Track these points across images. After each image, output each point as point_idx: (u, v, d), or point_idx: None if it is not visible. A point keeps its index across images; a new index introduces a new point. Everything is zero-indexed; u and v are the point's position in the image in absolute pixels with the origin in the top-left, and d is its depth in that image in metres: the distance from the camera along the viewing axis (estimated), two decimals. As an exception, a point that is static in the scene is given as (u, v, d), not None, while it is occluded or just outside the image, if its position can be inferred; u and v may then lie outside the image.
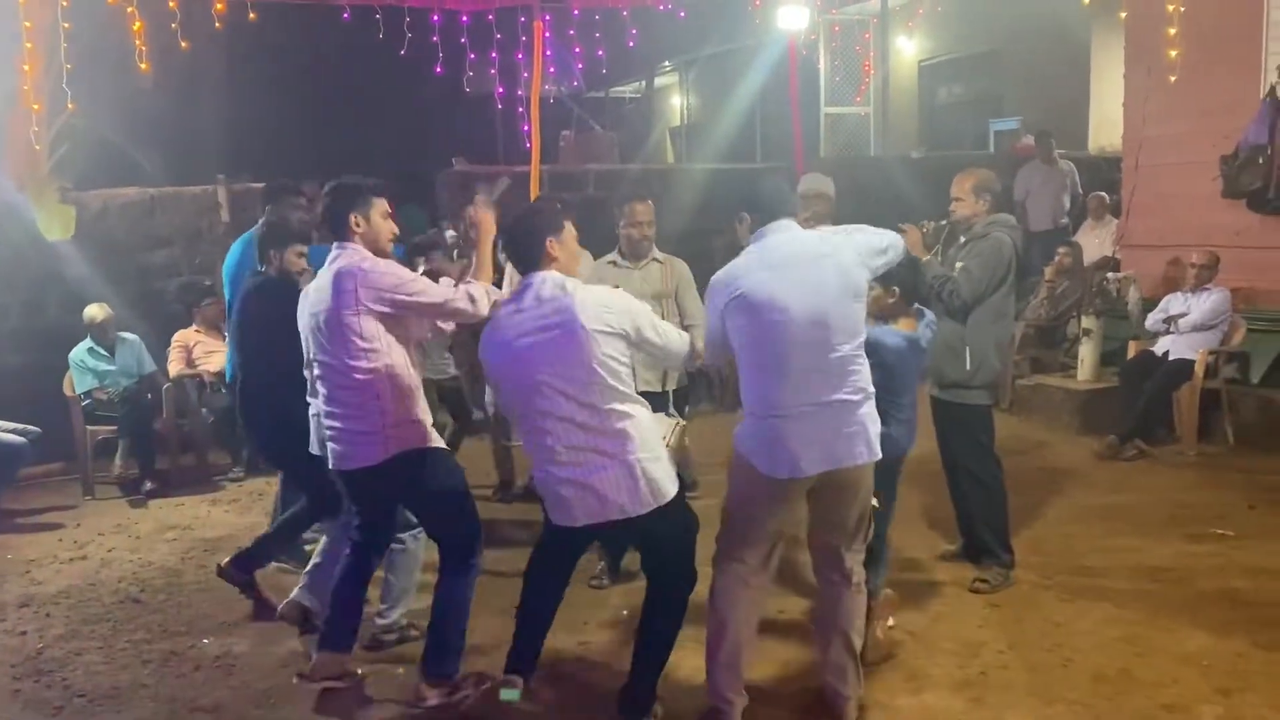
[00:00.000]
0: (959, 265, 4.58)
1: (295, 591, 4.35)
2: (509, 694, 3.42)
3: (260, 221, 5.13)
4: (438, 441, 3.71)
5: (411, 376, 3.63)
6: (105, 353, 7.05)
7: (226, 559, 4.64)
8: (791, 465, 3.26)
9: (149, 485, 6.78)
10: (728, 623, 3.42)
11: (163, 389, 7.10)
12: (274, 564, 4.90)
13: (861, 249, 3.39)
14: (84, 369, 7.00)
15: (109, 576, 5.27)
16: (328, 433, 3.67)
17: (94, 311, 7.04)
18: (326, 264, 3.63)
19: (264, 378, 4.39)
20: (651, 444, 3.32)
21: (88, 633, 4.55)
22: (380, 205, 3.70)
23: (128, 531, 6.06)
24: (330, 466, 3.72)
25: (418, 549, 4.22)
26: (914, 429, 4.08)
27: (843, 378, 3.27)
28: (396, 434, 3.57)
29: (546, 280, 3.30)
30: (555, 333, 3.21)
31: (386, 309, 3.51)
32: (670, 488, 3.33)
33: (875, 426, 3.35)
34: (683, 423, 3.90)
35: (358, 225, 3.62)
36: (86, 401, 6.93)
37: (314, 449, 4.01)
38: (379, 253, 3.65)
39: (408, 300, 3.52)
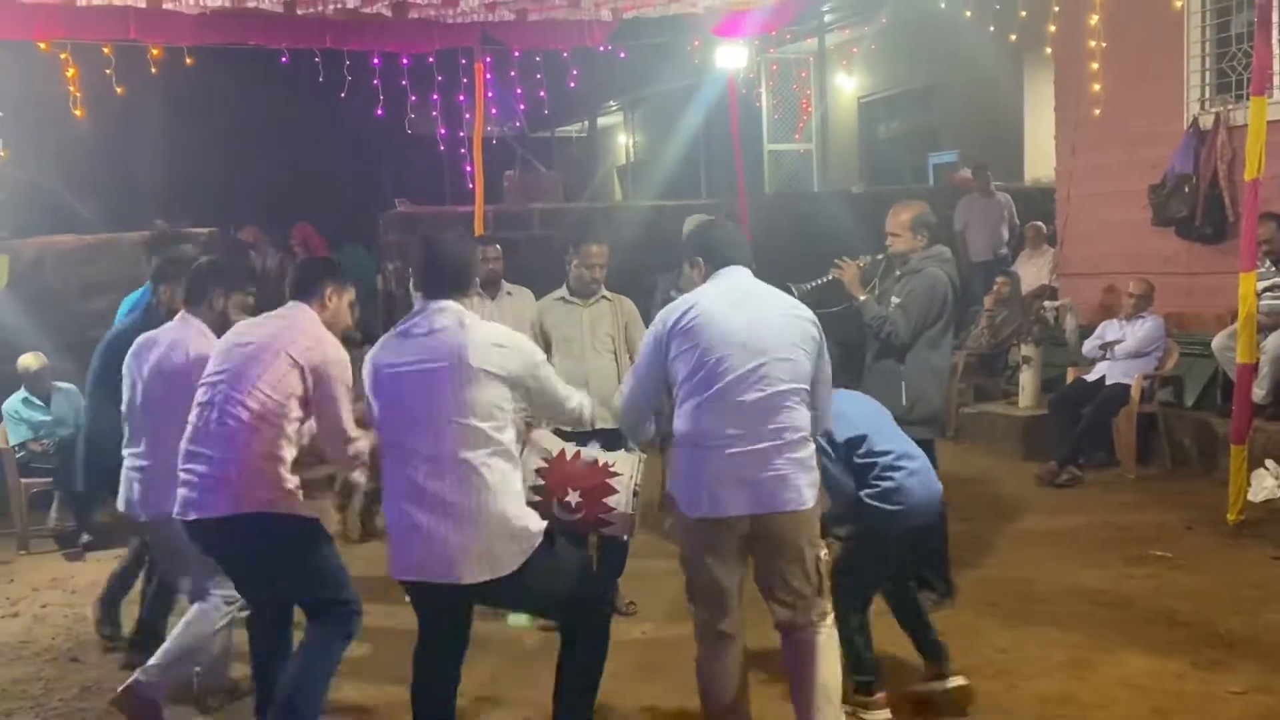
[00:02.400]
0: (895, 302, 4.63)
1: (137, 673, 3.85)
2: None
3: (152, 273, 4.90)
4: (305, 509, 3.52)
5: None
6: (41, 403, 6.90)
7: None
8: (712, 502, 3.16)
9: (86, 538, 6.62)
10: (724, 698, 3.29)
11: (99, 439, 6.96)
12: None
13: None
14: (18, 420, 6.85)
15: (42, 634, 5.13)
16: (182, 479, 3.49)
17: (29, 361, 6.90)
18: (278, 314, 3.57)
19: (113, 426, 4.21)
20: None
21: (18, 692, 4.42)
22: (348, 293, 3.68)
23: (63, 586, 5.92)
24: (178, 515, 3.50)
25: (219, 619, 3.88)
26: (926, 475, 3.80)
27: (774, 414, 3.17)
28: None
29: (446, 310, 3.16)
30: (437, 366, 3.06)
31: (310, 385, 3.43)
32: (535, 525, 3.11)
33: (809, 474, 3.23)
34: (644, 456, 3.83)
35: (330, 300, 3.60)
36: (20, 453, 6.77)
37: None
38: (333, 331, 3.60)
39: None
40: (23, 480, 6.73)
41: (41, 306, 7.66)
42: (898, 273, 4.74)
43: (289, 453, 3.43)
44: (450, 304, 3.16)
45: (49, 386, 6.94)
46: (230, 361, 3.47)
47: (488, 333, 3.15)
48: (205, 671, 4.03)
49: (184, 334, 3.90)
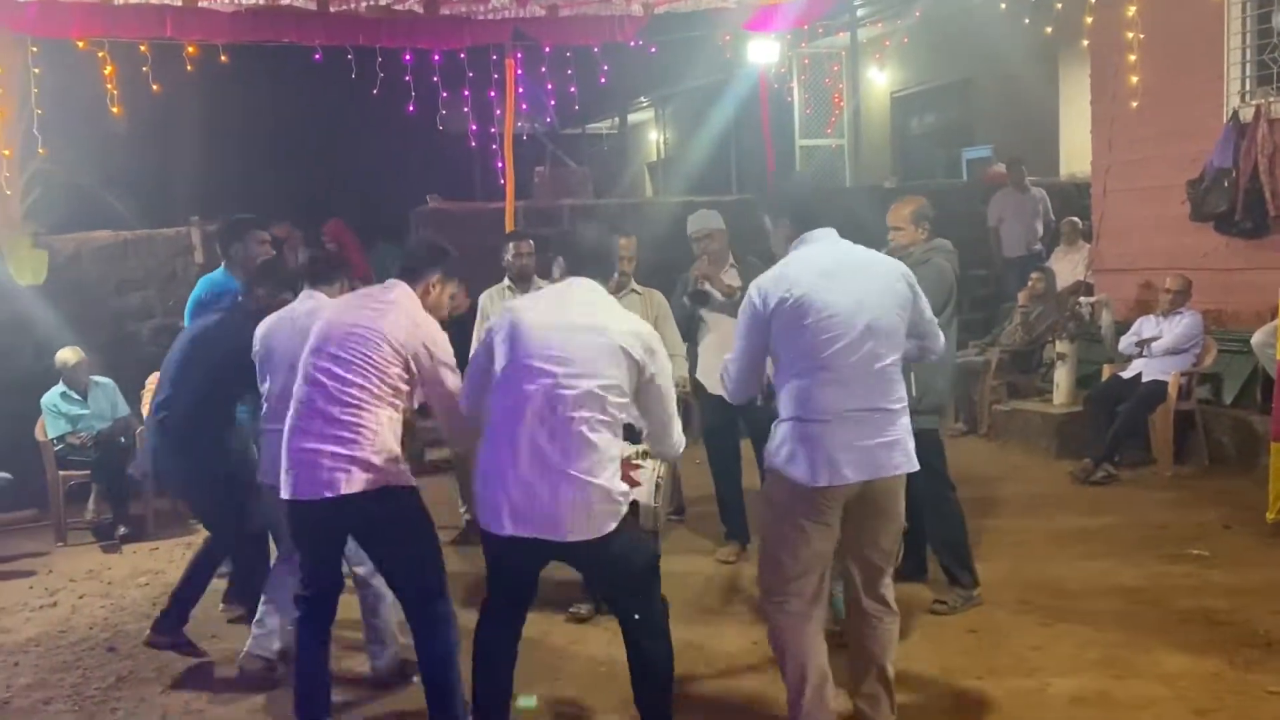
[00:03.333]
0: None
1: (249, 643, 4.26)
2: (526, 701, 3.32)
3: (229, 259, 5.14)
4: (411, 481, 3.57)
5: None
6: (78, 397, 6.99)
7: (148, 630, 4.54)
8: (832, 471, 3.20)
9: (122, 530, 6.71)
10: (807, 664, 3.33)
11: (136, 432, 7.04)
12: (221, 608, 4.95)
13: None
14: (56, 414, 6.94)
15: (80, 623, 5.20)
16: (298, 459, 3.48)
17: (66, 355, 6.99)
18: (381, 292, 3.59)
19: (201, 409, 4.42)
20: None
21: (56, 681, 4.48)
22: (451, 285, 3.69)
23: (100, 577, 5.99)
24: (290, 495, 3.50)
25: (381, 586, 4.08)
26: None
27: (887, 387, 3.26)
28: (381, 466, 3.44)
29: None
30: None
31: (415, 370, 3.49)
32: (626, 492, 3.23)
33: (911, 439, 3.33)
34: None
35: (431, 289, 3.62)
36: (59, 446, 6.87)
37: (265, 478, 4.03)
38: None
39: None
40: (61, 473, 6.82)
41: (78, 302, 7.77)
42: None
43: (398, 429, 3.50)
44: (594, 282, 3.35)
45: (86, 381, 7.03)
46: (333, 346, 3.47)
47: (635, 322, 3.30)
48: (253, 643, 4.25)
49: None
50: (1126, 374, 7.27)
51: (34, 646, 4.91)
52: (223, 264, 5.21)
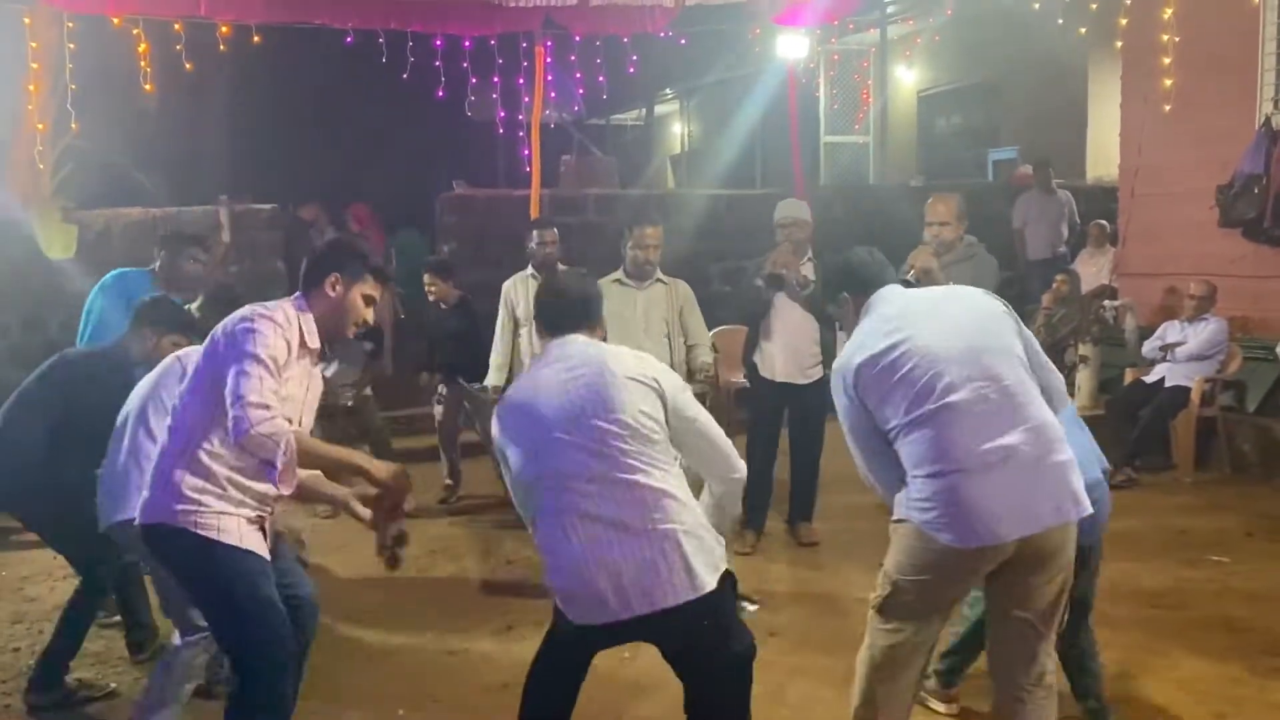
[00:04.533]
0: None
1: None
2: None
3: (158, 265, 5.04)
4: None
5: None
6: (103, 371, 7.03)
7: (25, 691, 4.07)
8: (986, 531, 2.73)
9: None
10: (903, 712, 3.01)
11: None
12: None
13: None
14: (82, 387, 6.99)
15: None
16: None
17: (94, 328, 7.04)
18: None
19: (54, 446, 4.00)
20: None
21: (80, 649, 4.52)
22: (362, 285, 3.11)
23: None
24: None
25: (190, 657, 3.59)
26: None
27: (1017, 408, 2.80)
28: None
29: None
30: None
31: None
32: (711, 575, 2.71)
33: (1077, 474, 2.84)
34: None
35: (332, 289, 3.08)
36: (84, 419, 6.91)
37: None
38: (334, 329, 3.11)
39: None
40: (85, 446, 6.87)
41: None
42: (942, 260, 4.71)
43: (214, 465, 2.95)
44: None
45: (112, 355, 7.07)
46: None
47: (638, 359, 2.92)
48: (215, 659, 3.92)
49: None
50: (1149, 379, 7.24)
51: (58, 614, 4.95)
52: (152, 266, 5.10)
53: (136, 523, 3.02)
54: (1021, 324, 3.03)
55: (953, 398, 2.78)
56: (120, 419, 3.69)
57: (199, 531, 2.89)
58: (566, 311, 2.98)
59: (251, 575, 2.95)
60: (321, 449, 3.00)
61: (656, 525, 2.66)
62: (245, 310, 2.99)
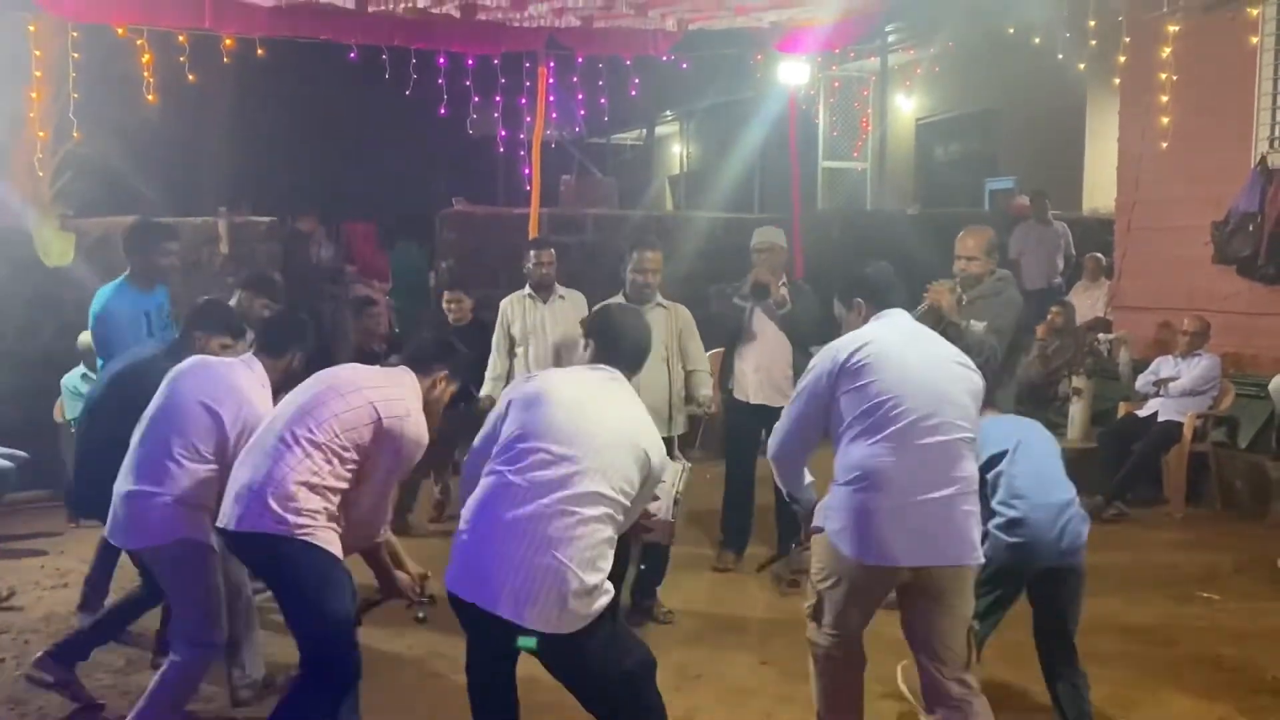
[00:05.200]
0: (978, 325, 4.54)
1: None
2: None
3: (129, 271, 5.02)
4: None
5: None
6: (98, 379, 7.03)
7: (39, 654, 4.09)
8: (881, 550, 3.02)
9: (135, 514, 6.72)
10: (852, 710, 3.29)
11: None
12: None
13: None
14: (76, 395, 6.97)
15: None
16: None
17: (88, 338, 7.02)
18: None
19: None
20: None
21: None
22: (453, 385, 3.56)
23: (111, 560, 6.01)
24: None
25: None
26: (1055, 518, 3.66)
27: (955, 462, 3.07)
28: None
29: None
30: None
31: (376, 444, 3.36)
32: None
33: (978, 528, 3.14)
34: (689, 465, 3.88)
35: (436, 384, 3.50)
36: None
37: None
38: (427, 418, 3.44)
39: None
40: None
41: (104, 285, 7.80)
42: (965, 296, 4.69)
43: (312, 484, 3.25)
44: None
45: (107, 364, 7.06)
46: (315, 393, 3.36)
47: (653, 428, 3.09)
48: (238, 665, 4.05)
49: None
50: (1143, 413, 7.27)
51: (45, 626, 4.94)
52: (125, 273, 5.04)
53: (257, 531, 3.21)
54: (979, 394, 3.23)
55: (905, 427, 3.03)
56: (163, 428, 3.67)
57: (317, 543, 3.24)
58: (630, 356, 3.21)
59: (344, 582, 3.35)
60: (381, 560, 3.53)
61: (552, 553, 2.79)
62: (410, 401, 3.34)
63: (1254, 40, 7.44)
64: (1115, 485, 6.90)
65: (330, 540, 3.27)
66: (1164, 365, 7.37)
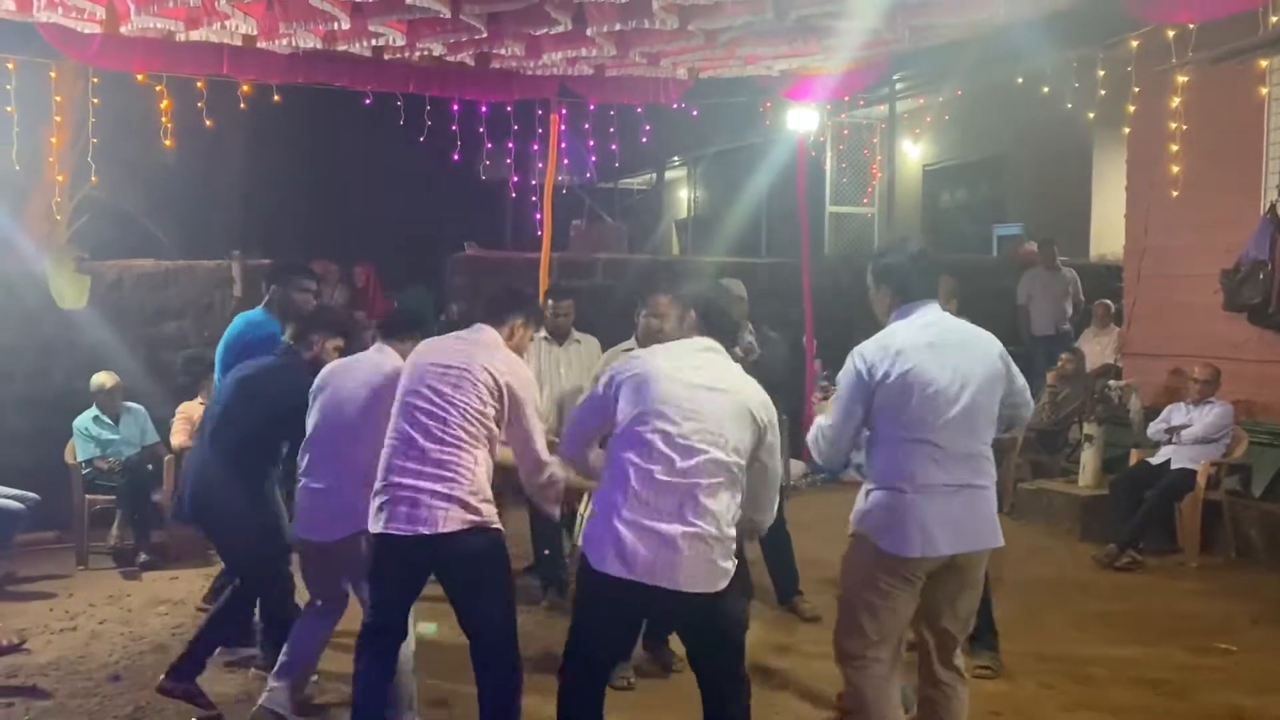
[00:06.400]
0: None
1: (264, 695, 4.09)
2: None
3: (268, 300, 5.14)
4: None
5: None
6: (110, 421, 7.06)
7: (162, 675, 4.36)
8: (924, 542, 3.22)
9: (144, 557, 6.72)
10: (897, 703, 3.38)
11: (164, 460, 7.08)
12: (252, 669, 4.74)
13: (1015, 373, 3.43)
14: (87, 437, 7.00)
15: (99, 649, 5.21)
16: (396, 494, 3.54)
17: (103, 379, 7.07)
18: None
19: (246, 452, 4.37)
20: None
21: (75, 707, 4.48)
22: (532, 328, 3.95)
23: (120, 604, 6.00)
24: (383, 529, 3.55)
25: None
26: None
27: (980, 464, 3.30)
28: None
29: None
30: None
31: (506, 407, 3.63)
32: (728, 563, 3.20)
33: (996, 515, 3.37)
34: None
35: (515, 331, 3.80)
36: (87, 470, 6.92)
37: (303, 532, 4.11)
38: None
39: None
40: (87, 496, 6.86)
41: (117, 327, 7.87)
42: None
43: (490, 469, 3.61)
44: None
45: (119, 406, 7.10)
46: (431, 382, 3.59)
47: (760, 390, 3.34)
48: (268, 696, 4.09)
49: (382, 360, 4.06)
50: (1155, 460, 7.24)
51: (53, 670, 4.91)
52: (263, 303, 5.23)
53: (459, 531, 3.47)
54: (1010, 366, 3.41)
55: (938, 432, 3.22)
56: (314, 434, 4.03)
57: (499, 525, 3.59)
58: (727, 328, 3.47)
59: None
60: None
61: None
62: (506, 353, 3.69)
63: (1263, 91, 7.50)
64: (1128, 533, 6.86)
65: (499, 522, 3.60)
66: (1175, 413, 7.35)
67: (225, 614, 4.50)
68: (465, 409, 3.52)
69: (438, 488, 3.48)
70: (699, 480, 3.11)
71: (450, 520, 3.46)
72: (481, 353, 3.62)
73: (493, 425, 3.56)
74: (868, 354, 3.32)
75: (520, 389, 3.59)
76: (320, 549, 4.03)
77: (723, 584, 3.13)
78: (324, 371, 4.17)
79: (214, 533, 4.68)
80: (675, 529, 3.06)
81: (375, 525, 3.54)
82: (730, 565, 3.16)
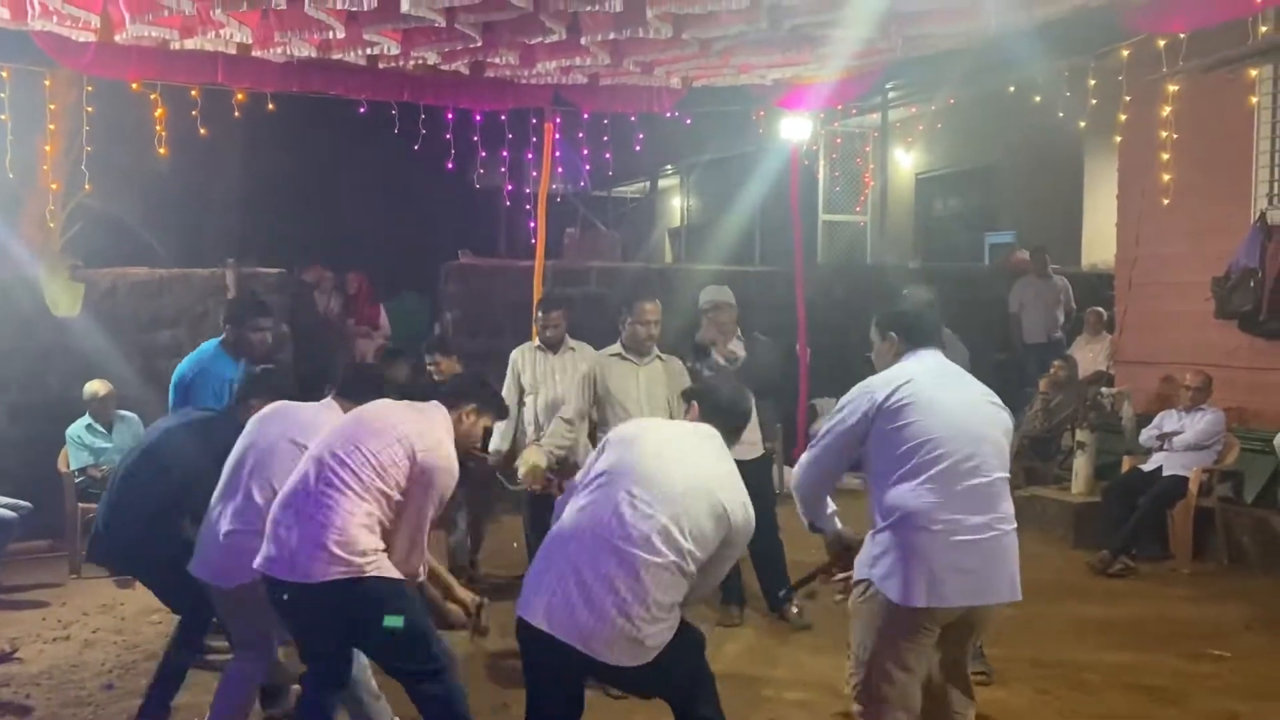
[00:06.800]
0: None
1: None
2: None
3: (224, 339, 5.25)
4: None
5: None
6: (103, 430, 7.04)
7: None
8: (932, 592, 3.02)
9: (137, 566, 6.69)
10: None
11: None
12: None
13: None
14: (80, 445, 6.98)
15: (92, 659, 5.19)
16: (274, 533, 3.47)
17: (96, 388, 7.05)
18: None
19: (159, 507, 4.25)
20: None
21: (68, 716, 4.48)
22: (485, 419, 3.79)
23: (113, 613, 5.98)
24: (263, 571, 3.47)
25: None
26: None
27: (996, 501, 3.13)
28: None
29: None
30: None
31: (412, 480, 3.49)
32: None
33: (1016, 565, 3.18)
34: None
35: (465, 418, 3.69)
36: (80, 478, 6.90)
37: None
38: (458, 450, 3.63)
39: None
40: (80, 505, 6.84)
41: (111, 335, 7.84)
42: None
43: (373, 526, 3.43)
44: None
45: (112, 414, 7.08)
46: (347, 433, 3.51)
47: (741, 487, 3.23)
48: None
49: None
50: (1147, 467, 7.26)
51: (46, 679, 4.90)
52: (219, 340, 5.31)
53: (322, 579, 3.33)
54: (1010, 431, 3.34)
55: (948, 467, 3.06)
56: (228, 479, 3.92)
57: (385, 574, 3.38)
58: (729, 419, 3.40)
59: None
60: (429, 593, 3.72)
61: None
62: (440, 434, 3.53)
63: (1253, 100, 7.56)
64: (1121, 540, 6.88)
65: (392, 569, 3.43)
66: (1167, 419, 7.38)
67: (177, 647, 4.35)
68: (367, 462, 3.40)
69: (309, 533, 3.35)
70: (655, 562, 2.99)
71: (315, 569, 3.33)
72: (421, 423, 3.52)
73: (391, 490, 3.41)
74: (872, 383, 3.25)
75: (435, 473, 3.45)
76: (219, 594, 3.91)
77: (647, 658, 3.00)
78: (255, 415, 4.08)
79: (134, 574, 4.66)
80: (606, 606, 2.96)
81: (260, 565, 3.49)
82: (655, 644, 3.00)
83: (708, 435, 3.30)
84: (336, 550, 3.32)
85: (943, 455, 3.07)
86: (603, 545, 3.00)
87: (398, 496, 3.43)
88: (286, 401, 4.12)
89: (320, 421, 3.83)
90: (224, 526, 3.82)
